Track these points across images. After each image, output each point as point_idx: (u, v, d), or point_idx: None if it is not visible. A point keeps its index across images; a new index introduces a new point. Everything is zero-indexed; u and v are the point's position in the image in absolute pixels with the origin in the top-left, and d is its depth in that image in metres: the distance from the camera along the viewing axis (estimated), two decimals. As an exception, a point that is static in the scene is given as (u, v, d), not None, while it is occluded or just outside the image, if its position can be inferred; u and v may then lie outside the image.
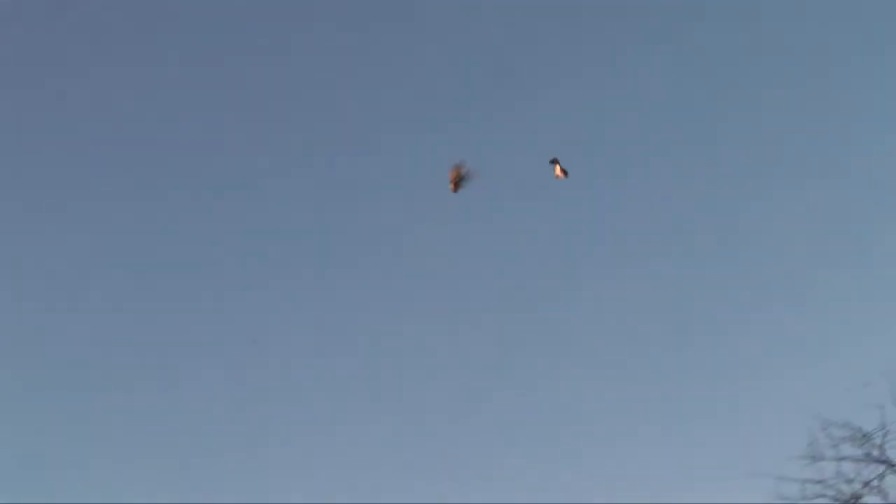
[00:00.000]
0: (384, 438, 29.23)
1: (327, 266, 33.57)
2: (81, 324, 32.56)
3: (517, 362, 30.11)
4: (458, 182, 16.65)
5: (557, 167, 17.53)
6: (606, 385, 28.66)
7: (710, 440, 26.58)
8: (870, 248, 29.65)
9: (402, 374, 30.61)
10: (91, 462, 28.93)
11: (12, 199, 33.63)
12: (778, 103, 32.43)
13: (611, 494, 25.02)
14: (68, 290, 32.78)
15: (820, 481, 19.85)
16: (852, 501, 19.79)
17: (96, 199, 34.53)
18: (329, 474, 28.56)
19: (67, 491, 26.89)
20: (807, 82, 32.81)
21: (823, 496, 19.82)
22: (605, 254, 32.89)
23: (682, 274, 30.86)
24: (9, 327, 32.00)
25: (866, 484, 19.81)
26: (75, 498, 26.26)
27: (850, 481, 19.83)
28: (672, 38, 33.32)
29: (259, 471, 28.72)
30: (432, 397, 30.47)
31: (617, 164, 32.66)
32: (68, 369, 31.08)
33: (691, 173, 33.03)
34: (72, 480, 27.99)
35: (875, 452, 19.82)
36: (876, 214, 29.72)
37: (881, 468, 19.80)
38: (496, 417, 29.33)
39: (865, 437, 19.94)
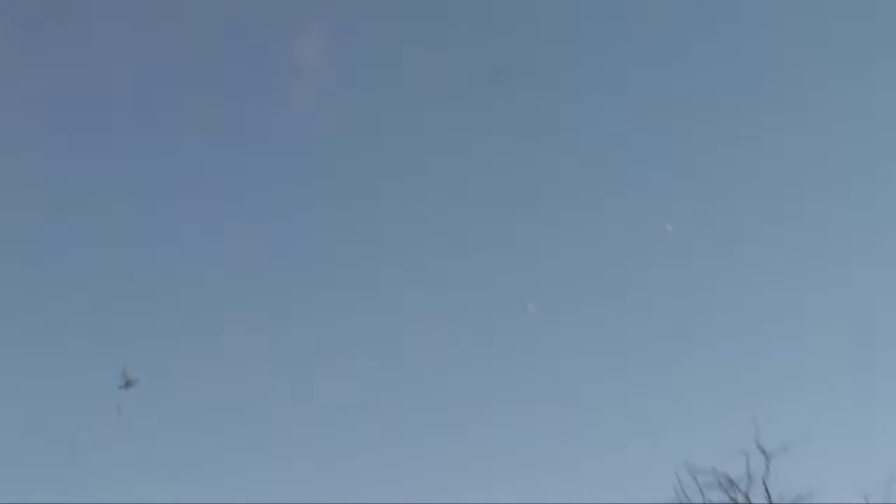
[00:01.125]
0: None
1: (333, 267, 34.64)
2: (81, 324, 33.17)
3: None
4: None
5: None
6: (482, 429, 29.46)
7: (581, 484, 27.18)
8: (738, 310, 30.75)
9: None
10: (91, 461, 29.36)
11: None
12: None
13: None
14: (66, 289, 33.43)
15: (687, 526, 20.55)
16: (717, 545, 20.48)
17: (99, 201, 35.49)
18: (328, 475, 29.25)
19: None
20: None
21: (690, 541, 20.52)
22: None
23: (566, 329, 32.01)
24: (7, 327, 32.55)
25: (731, 529, 20.50)
26: (79, 498, 26.62)
27: (716, 526, 20.55)
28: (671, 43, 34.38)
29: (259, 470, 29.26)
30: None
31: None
32: (66, 369, 31.52)
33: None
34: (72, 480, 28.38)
35: (740, 498, 20.52)
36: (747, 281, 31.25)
37: (745, 514, 20.51)
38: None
39: (731, 484, 20.62)
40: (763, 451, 20.50)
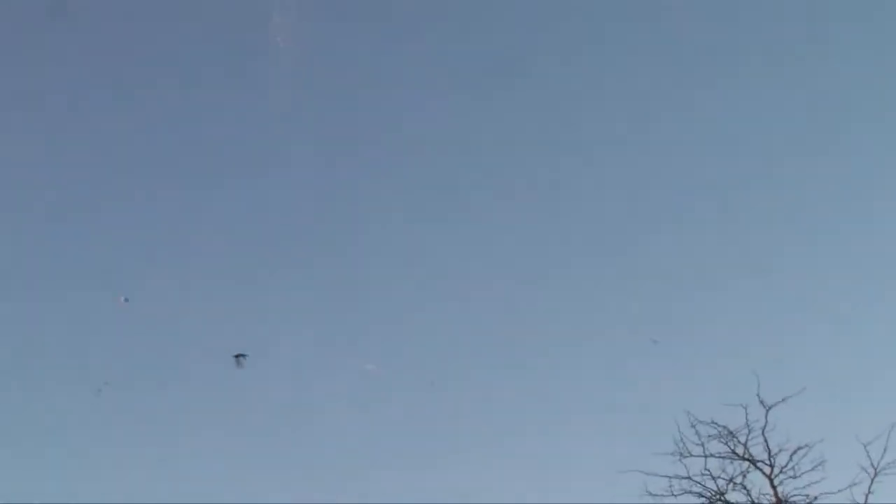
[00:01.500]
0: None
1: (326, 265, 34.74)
2: (82, 324, 33.24)
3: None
4: None
5: None
6: (487, 384, 29.50)
7: (582, 436, 27.30)
8: (741, 262, 30.91)
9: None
10: (90, 462, 29.50)
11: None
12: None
13: (489, 489, 25.92)
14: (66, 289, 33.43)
15: (687, 478, 20.59)
16: (717, 497, 20.53)
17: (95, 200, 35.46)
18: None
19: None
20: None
21: (690, 492, 20.56)
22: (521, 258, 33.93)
23: (569, 284, 32.13)
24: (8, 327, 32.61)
25: (731, 480, 20.55)
26: (77, 498, 26.80)
27: (715, 478, 20.59)
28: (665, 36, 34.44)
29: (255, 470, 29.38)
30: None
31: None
32: (66, 370, 31.63)
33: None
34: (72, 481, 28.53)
35: (739, 450, 20.57)
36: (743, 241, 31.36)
37: (745, 465, 20.55)
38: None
39: (731, 436, 20.66)
40: (762, 403, 20.55)
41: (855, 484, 19.85)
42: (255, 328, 32.13)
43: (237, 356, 22.62)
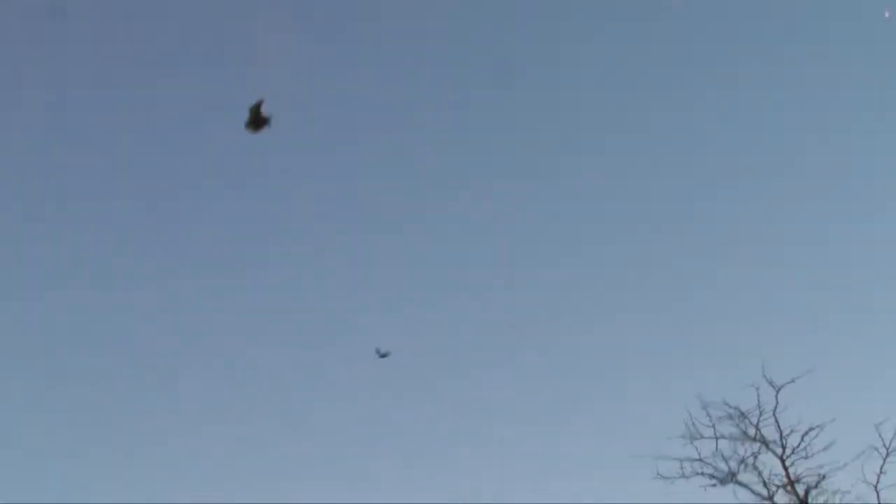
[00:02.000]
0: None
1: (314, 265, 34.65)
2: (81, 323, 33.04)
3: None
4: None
5: None
6: (499, 373, 29.50)
7: (593, 420, 27.26)
8: (749, 246, 30.98)
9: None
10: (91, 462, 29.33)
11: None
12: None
13: (500, 477, 25.93)
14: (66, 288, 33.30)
15: (698, 459, 20.51)
16: (729, 478, 20.45)
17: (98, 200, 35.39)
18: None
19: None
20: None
21: (701, 473, 20.48)
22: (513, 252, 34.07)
23: (577, 272, 32.25)
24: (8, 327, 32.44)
25: (742, 461, 20.49)
26: (77, 497, 26.61)
27: (727, 459, 20.54)
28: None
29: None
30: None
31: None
32: (65, 370, 31.47)
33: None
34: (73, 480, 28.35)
35: (751, 431, 20.51)
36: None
37: (756, 446, 20.48)
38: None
39: (742, 417, 20.60)
40: (772, 384, 20.49)
41: (866, 461, 19.82)
42: (255, 328, 32.13)
43: (382, 355, 22.80)
